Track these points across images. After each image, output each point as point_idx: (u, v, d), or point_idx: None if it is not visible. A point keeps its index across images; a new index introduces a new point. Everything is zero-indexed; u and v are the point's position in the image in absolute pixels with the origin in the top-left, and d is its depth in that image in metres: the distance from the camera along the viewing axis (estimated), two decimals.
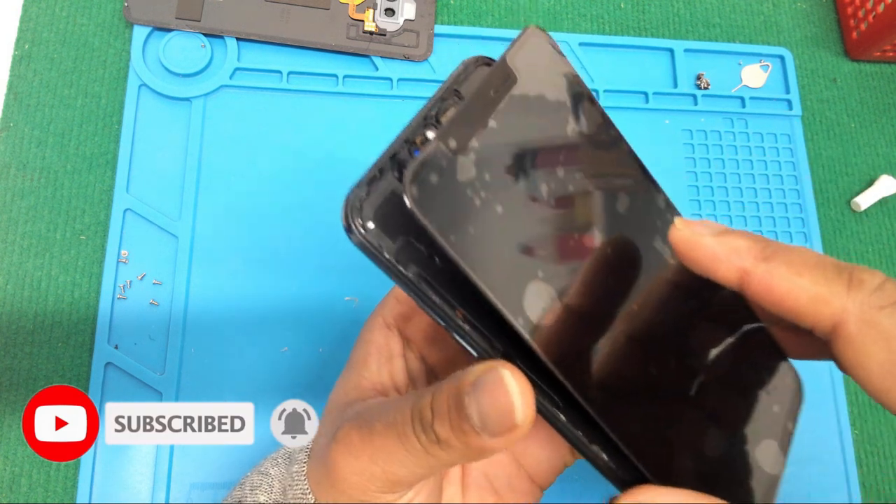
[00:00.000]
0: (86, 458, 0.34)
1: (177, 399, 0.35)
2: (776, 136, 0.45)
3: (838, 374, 0.42)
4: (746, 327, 0.22)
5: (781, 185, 0.44)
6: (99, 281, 0.37)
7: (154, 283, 0.37)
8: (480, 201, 0.17)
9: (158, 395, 0.35)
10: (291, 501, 0.22)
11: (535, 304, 0.18)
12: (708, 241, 0.19)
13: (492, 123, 0.18)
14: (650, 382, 0.21)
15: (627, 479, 0.21)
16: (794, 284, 0.18)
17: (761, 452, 0.22)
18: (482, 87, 0.18)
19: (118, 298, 0.37)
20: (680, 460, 0.21)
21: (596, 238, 0.20)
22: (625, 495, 0.20)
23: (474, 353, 0.19)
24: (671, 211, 0.22)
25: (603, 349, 0.20)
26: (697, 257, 0.19)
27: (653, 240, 0.21)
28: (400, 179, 0.18)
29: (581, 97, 0.20)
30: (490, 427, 0.17)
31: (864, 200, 0.45)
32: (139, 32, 0.40)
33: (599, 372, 0.19)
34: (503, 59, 0.19)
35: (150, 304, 0.37)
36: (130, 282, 0.37)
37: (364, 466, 0.19)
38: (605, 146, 0.21)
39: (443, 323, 0.19)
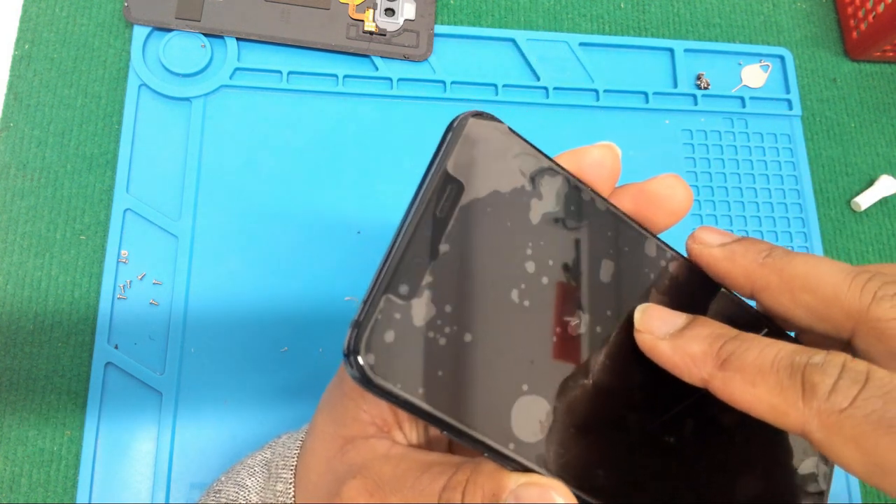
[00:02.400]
0: (86, 458, 0.34)
1: (177, 399, 0.35)
2: (776, 136, 0.45)
3: None
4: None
5: (781, 185, 0.44)
6: (99, 281, 0.37)
7: (154, 283, 0.37)
8: (445, 338, 0.16)
9: (158, 395, 0.35)
10: None
11: (523, 422, 0.17)
12: (664, 348, 0.18)
13: (443, 248, 0.17)
14: (669, 470, 0.20)
15: None
16: (751, 396, 0.17)
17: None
18: (424, 209, 0.17)
19: (118, 298, 0.37)
20: None
21: (582, 324, 0.18)
22: None
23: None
24: (663, 255, 0.20)
25: (605, 453, 0.19)
26: (661, 363, 0.18)
27: (648, 296, 0.20)
28: (348, 354, 0.16)
29: (540, 173, 0.18)
30: None
31: (864, 200, 0.45)
32: (139, 32, 0.40)
33: (611, 470, 0.18)
34: (443, 169, 0.17)
35: (150, 304, 0.37)
36: (130, 282, 0.37)
37: None
38: (578, 216, 0.19)
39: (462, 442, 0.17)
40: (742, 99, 0.45)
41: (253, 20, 0.41)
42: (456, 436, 0.17)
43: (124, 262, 0.37)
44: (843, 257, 0.44)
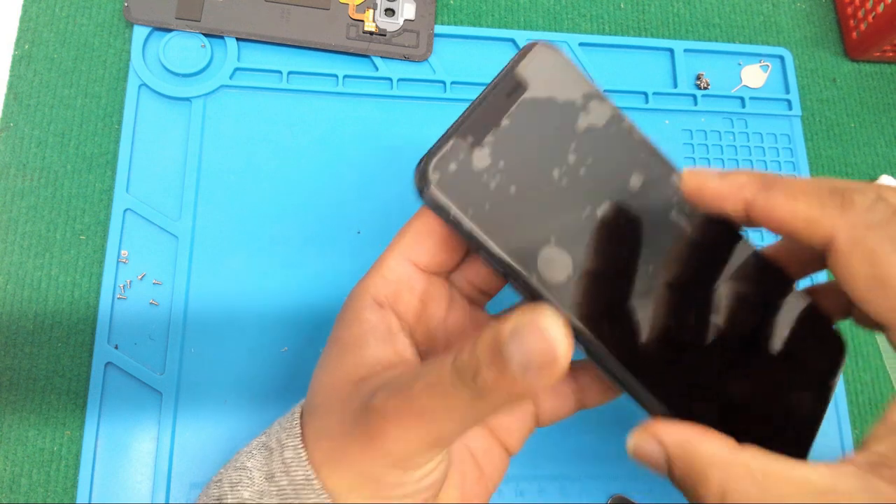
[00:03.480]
0: (86, 458, 0.34)
1: (177, 399, 0.35)
2: (776, 136, 0.45)
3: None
4: (785, 294, 0.25)
5: None
6: (99, 281, 0.37)
7: (154, 283, 0.37)
8: (495, 184, 0.22)
9: (158, 395, 0.35)
10: (292, 488, 0.22)
11: (549, 266, 0.22)
12: (714, 181, 0.22)
13: (504, 122, 0.22)
14: (671, 333, 0.23)
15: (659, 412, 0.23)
16: (791, 209, 0.20)
17: (796, 401, 0.24)
18: (495, 91, 0.22)
19: (118, 298, 0.37)
20: (706, 405, 0.23)
21: (607, 209, 0.23)
22: (637, 431, 0.22)
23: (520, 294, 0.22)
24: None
25: (619, 304, 0.22)
26: (706, 197, 0.22)
27: (668, 213, 0.24)
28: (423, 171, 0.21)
29: (590, 97, 0.24)
30: (532, 369, 0.18)
31: None
32: (139, 32, 0.40)
33: (615, 323, 0.22)
34: (513, 70, 0.23)
35: (150, 304, 0.37)
36: (130, 282, 0.37)
37: (406, 430, 0.20)
38: (615, 135, 0.24)
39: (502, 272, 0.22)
40: (742, 99, 0.46)
41: (253, 20, 0.41)
42: (486, 255, 0.21)
43: (124, 262, 0.37)
44: None
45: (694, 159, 0.44)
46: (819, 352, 0.24)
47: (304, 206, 0.40)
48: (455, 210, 0.21)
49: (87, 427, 0.34)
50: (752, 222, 0.22)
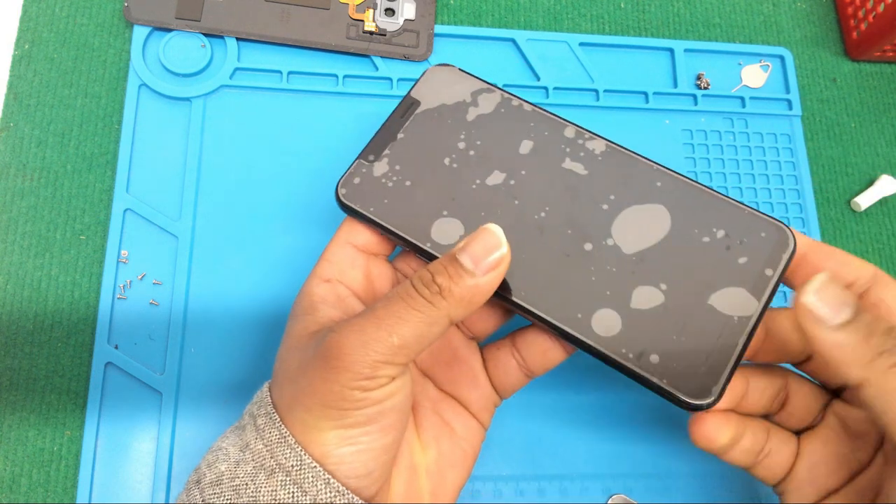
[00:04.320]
0: (86, 458, 0.34)
1: (177, 399, 0.35)
2: (776, 136, 0.45)
3: None
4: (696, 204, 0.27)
5: (781, 185, 0.44)
6: (99, 281, 0.37)
7: (154, 283, 0.37)
8: (393, 183, 0.27)
9: (158, 395, 0.35)
10: (260, 448, 0.23)
11: (441, 233, 0.27)
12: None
13: (400, 136, 0.29)
14: (563, 258, 0.26)
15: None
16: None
17: (719, 300, 0.25)
18: (393, 115, 0.29)
19: (118, 298, 0.37)
20: (608, 314, 0.25)
21: (495, 176, 0.27)
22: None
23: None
24: (583, 136, 0.28)
25: (515, 250, 0.26)
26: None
27: (561, 162, 0.28)
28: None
29: (479, 92, 0.29)
30: (481, 265, 0.23)
31: (864, 200, 0.45)
32: (139, 32, 0.40)
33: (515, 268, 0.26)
34: (408, 94, 0.29)
35: (150, 304, 0.37)
36: (130, 282, 0.37)
37: (369, 336, 0.22)
38: (504, 115, 0.28)
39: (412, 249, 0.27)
40: (742, 99, 0.45)
41: (253, 20, 0.41)
42: (392, 237, 0.27)
43: (124, 262, 0.37)
44: None
45: (694, 159, 0.44)
46: (754, 250, 0.26)
47: (305, 207, 0.40)
48: (360, 209, 0.27)
49: (87, 427, 0.34)
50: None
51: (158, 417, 0.35)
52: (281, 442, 0.22)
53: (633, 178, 0.27)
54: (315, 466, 0.22)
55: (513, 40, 0.44)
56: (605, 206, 0.27)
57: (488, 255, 0.23)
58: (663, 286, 0.25)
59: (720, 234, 0.26)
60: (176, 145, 0.40)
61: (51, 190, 0.38)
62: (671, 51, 0.46)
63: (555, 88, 0.43)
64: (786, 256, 0.25)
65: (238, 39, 0.41)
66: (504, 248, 0.23)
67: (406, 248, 0.28)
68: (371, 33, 0.42)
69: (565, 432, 0.37)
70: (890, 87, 0.49)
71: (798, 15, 0.49)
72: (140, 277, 0.37)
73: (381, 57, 0.42)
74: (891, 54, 0.48)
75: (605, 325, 0.25)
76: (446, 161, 0.27)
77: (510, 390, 0.29)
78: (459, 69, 0.29)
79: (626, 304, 0.25)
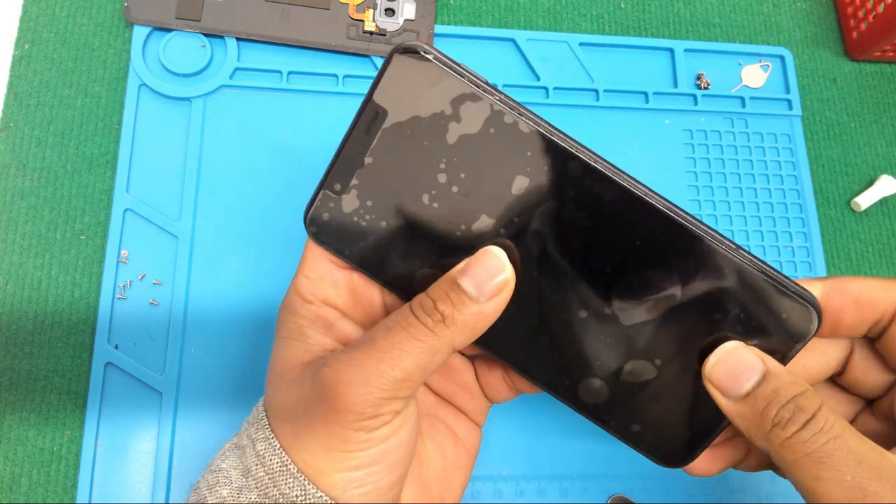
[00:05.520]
0: (86, 458, 0.34)
1: (177, 399, 0.35)
2: (776, 136, 0.45)
3: None
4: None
5: (781, 185, 0.44)
6: (99, 281, 0.37)
7: (154, 283, 0.37)
8: (366, 222, 0.23)
9: (158, 395, 0.35)
10: (265, 479, 0.22)
11: (424, 283, 0.23)
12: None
13: (368, 160, 0.22)
14: (542, 309, 0.23)
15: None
16: (863, 284, 0.23)
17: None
18: (355, 129, 0.22)
19: (118, 298, 0.37)
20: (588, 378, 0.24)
21: (485, 222, 0.22)
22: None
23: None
24: (591, 175, 0.22)
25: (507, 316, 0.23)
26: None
27: (562, 208, 0.22)
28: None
29: (462, 99, 0.21)
30: (485, 290, 0.21)
31: (864, 200, 0.45)
32: (139, 32, 0.40)
33: (502, 331, 0.23)
34: (369, 99, 0.22)
35: (150, 304, 0.37)
36: (130, 282, 0.37)
37: (370, 371, 0.21)
38: (494, 137, 0.22)
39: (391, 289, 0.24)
40: (742, 99, 0.45)
41: (253, 20, 0.41)
42: (394, 293, 0.24)
43: (124, 262, 0.37)
44: (842, 257, 0.44)
45: (694, 159, 0.44)
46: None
47: (305, 206, 0.40)
48: (334, 252, 0.24)
49: (87, 427, 0.34)
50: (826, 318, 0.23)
51: (158, 417, 0.35)
52: (283, 471, 0.22)
53: (645, 237, 0.22)
54: (321, 496, 0.21)
55: (513, 40, 0.44)
56: (608, 269, 0.23)
57: (491, 279, 0.21)
58: (658, 361, 0.23)
59: (734, 312, 0.22)
60: (176, 145, 0.40)
61: (51, 190, 0.38)
62: (671, 51, 0.46)
63: (555, 88, 0.43)
64: (800, 346, 0.22)
65: (238, 39, 0.41)
66: (508, 272, 0.21)
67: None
68: (371, 33, 0.42)
69: (565, 432, 0.37)
70: (890, 87, 0.49)
71: (798, 15, 0.49)
72: (140, 277, 0.37)
73: (382, 57, 0.42)
74: (891, 54, 0.48)
75: (591, 392, 0.24)
76: (425, 198, 0.22)
77: (502, 401, 0.29)
78: (433, 57, 0.21)
79: (616, 376, 0.23)
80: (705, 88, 0.45)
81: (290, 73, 0.41)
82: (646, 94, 0.45)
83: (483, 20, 0.46)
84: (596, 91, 0.44)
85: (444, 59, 0.21)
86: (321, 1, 0.42)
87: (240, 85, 0.41)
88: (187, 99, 0.40)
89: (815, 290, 0.23)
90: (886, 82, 0.49)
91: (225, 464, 0.24)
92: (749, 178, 0.44)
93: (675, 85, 0.45)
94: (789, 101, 0.46)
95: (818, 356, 0.25)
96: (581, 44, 0.45)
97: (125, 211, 0.38)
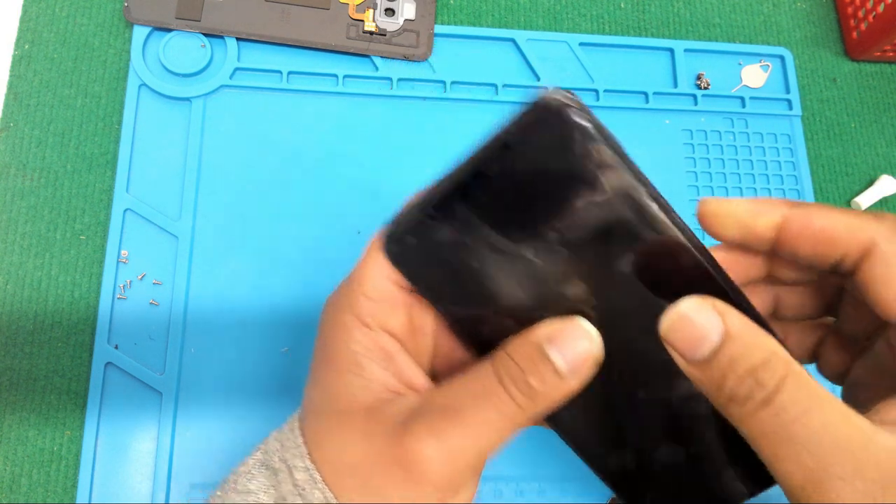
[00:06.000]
0: (86, 458, 0.34)
1: (177, 399, 0.35)
2: (776, 136, 0.45)
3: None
4: None
5: (781, 185, 0.44)
6: (99, 281, 0.37)
7: (154, 283, 0.37)
8: (455, 259, 0.21)
9: (158, 395, 0.35)
10: None
11: (496, 332, 0.21)
12: (741, 202, 0.21)
13: (480, 196, 0.20)
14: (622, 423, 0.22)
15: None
16: (829, 218, 0.21)
17: (731, 475, 0.22)
18: (475, 158, 0.20)
19: (118, 298, 0.37)
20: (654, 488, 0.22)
21: (579, 289, 0.21)
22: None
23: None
24: (701, 272, 0.21)
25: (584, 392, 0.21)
26: (735, 216, 0.21)
27: (665, 299, 0.20)
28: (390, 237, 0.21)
29: (602, 167, 0.19)
30: (573, 366, 0.20)
31: (865, 200, 0.45)
32: (139, 32, 0.40)
33: (579, 409, 0.22)
34: (503, 136, 0.19)
35: (150, 304, 0.37)
36: (130, 282, 0.37)
37: (457, 447, 0.20)
38: (621, 213, 0.20)
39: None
40: (742, 99, 0.45)
41: (253, 20, 0.41)
42: (454, 330, 0.22)
43: (124, 262, 0.37)
44: None
45: (694, 159, 0.44)
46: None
47: (304, 206, 0.40)
48: (410, 281, 0.21)
49: (87, 427, 0.34)
50: (779, 244, 0.21)
51: (158, 417, 0.35)
52: None
53: None
54: None
55: (513, 40, 0.44)
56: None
57: (581, 355, 0.20)
58: (693, 450, 0.22)
59: None
60: (176, 145, 0.40)
61: (51, 190, 0.38)
62: (671, 51, 0.46)
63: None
64: None
65: (238, 39, 0.41)
66: (597, 350, 0.20)
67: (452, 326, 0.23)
68: (371, 33, 0.42)
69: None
70: (890, 87, 0.49)
71: (798, 15, 0.49)
72: (140, 277, 0.37)
73: (381, 57, 0.42)
74: (891, 54, 0.48)
75: (618, 463, 0.23)
76: (528, 251, 0.21)
77: None
78: (583, 116, 0.19)
79: (648, 455, 0.22)
80: (705, 88, 0.45)
81: (290, 73, 0.41)
82: (646, 94, 0.45)
83: (483, 20, 0.46)
84: (596, 91, 0.44)
85: (596, 121, 0.19)
86: (321, 1, 0.42)
87: (240, 85, 0.41)
88: (187, 99, 0.40)
89: (778, 213, 0.21)
90: (886, 82, 0.49)
91: (253, 485, 0.23)
92: (749, 178, 0.44)
93: (675, 85, 0.45)
94: (789, 101, 0.46)
95: (800, 306, 0.25)
96: (581, 44, 0.45)
97: (125, 211, 0.38)
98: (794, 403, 0.18)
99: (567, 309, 0.21)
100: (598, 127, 0.19)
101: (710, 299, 0.19)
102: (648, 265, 0.20)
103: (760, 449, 0.18)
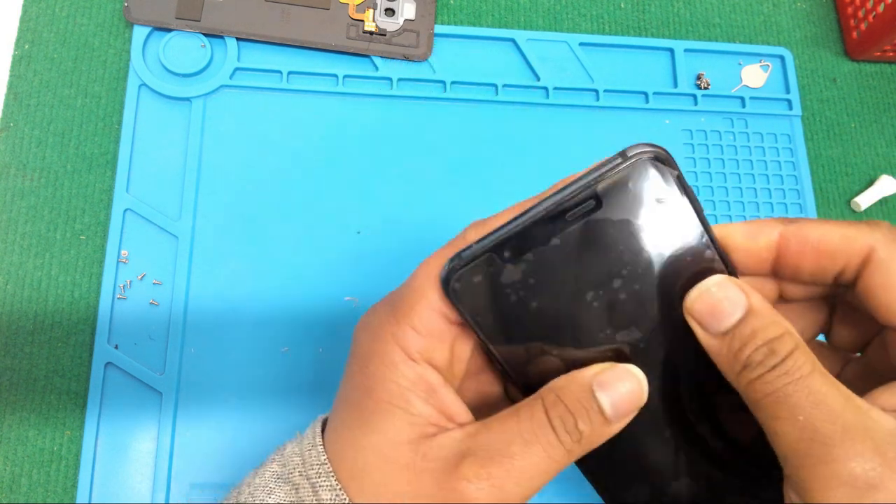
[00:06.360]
0: (86, 458, 0.34)
1: (177, 399, 0.35)
2: (776, 136, 0.45)
3: None
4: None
5: (781, 185, 0.44)
6: (99, 281, 0.37)
7: (154, 283, 0.37)
8: (517, 297, 0.21)
9: (158, 395, 0.35)
10: None
11: (541, 372, 0.22)
12: (737, 226, 0.22)
13: (555, 242, 0.20)
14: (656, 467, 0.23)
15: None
16: (825, 230, 0.21)
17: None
18: (559, 199, 0.20)
19: (118, 298, 0.37)
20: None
21: (633, 335, 0.21)
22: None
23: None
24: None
25: (631, 437, 0.22)
26: (733, 238, 0.22)
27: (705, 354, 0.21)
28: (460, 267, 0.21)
29: (679, 224, 0.21)
30: (620, 412, 0.21)
31: (864, 200, 0.45)
32: (139, 32, 0.40)
33: (611, 463, 0.22)
34: (592, 186, 0.20)
35: (150, 304, 0.37)
36: (130, 282, 0.37)
37: (505, 491, 0.20)
38: (687, 263, 0.21)
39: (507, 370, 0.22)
40: (742, 99, 0.45)
41: (253, 20, 0.41)
42: (487, 353, 0.22)
43: (124, 262, 0.37)
44: None
45: (694, 159, 0.44)
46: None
47: (304, 206, 0.40)
48: (467, 316, 0.21)
49: (87, 427, 0.34)
50: (780, 263, 0.22)
51: (158, 417, 0.35)
52: None
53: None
54: None
55: (513, 40, 0.44)
56: (715, 400, 0.23)
57: (628, 402, 0.21)
58: (703, 482, 0.23)
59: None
60: (176, 145, 0.40)
61: (51, 190, 0.38)
62: (671, 51, 0.46)
63: (555, 88, 0.43)
64: None
65: (238, 39, 0.41)
66: (644, 398, 0.21)
67: (498, 372, 0.23)
68: (371, 33, 0.42)
69: None
70: (890, 87, 0.49)
71: (798, 15, 0.49)
72: (140, 277, 0.37)
73: (381, 57, 0.42)
74: (891, 54, 0.48)
75: (633, 495, 0.23)
76: (590, 295, 0.21)
77: None
78: (676, 176, 0.20)
79: (663, 489, 0.23)
80: (705, 88, 0.45)
81: (290, 73, 0.41)
82: (646, 94, 0.45)
83: (483, 20, 0.46)
84: (596, 91, 0.44)
85: (683, 179, 0.21)
86: (321, 1, 0.42)
87: (240, 85, 0.41)
88: (187, 99, 0.40)
89: (774, 231, 0.22)
90: (886, 82, 0.49)
91: (272, 499, 0.22)
92: (749, 178, 0.44)
93: (675, 85, 0.45)
94: (789, 101, 0.46)
95: (798, 318, 0.25)
96: (581, 44, 0.45)
97: (125, 211, 0.38)
98: (798, 368, 0.19)
99: (613, 350, 0.21)
100: (682, 183, 0.20)
101: (733, 279, 0.21)
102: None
103: (761, 410, 0.20)
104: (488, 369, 0.25)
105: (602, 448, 0.21)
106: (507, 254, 0.20)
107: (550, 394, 0.21)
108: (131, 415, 0.35)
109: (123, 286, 0.37)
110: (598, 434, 0.21)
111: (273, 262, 0.38)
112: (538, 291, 0.21)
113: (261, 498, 0.22)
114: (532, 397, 0.21)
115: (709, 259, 0.21)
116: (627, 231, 0.20)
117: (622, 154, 0.20)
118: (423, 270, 0.22)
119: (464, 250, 0.21)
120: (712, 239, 0.21)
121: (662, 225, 0.21)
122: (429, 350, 0.22)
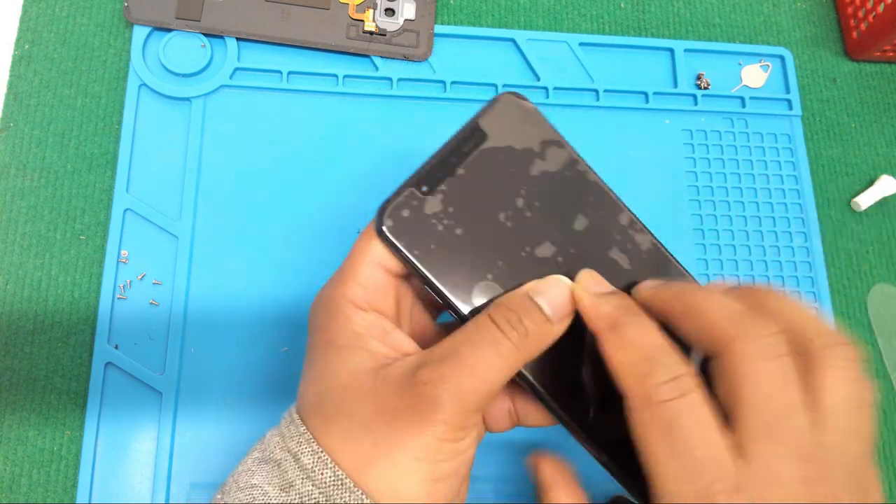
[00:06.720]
0: (86, 458, 0.34)
1: (177, 399, 0.35)
2: (776, 136, 0.45)
3: None
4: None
5: (781, 184, 0.44)
6: (99, 281, 0.37)
7: (154, 283, 0.37)
8: (443, 227, 0.24)
9: (158, 395, 0.35)
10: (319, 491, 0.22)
11: (480, 296, 0.24)
12: (585, 300, 0.24)
13: (460, 171, 0.25)
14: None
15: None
16: (615, 356, 0.22)
17: None
18: (455, 141, 0.25)
19: (118, 298, 0.37)
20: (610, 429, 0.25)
21: (546, 249, 0.25)
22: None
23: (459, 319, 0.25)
24: (635, 227, 0.26)
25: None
26: (579, 308, 0.24)
27: (609, 251, 0.26)
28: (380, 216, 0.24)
29: (549, 143, 0.26)
30: (558, 312, 0.23)
31: (864, 200, 0.45)
32: (139, 32, 0.40)
33: (546, 361, 0.24)
34: (476, 121, 0.25)
35: (150, 304, 0.37)
36: (130, 282, 0.37)
37: (464, 386, 0.21)
38: (568, 179, 0.26)
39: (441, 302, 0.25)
40: (742, 99, 0.45)
41: (253, 20, 0.41)
42: (430, 289, 0.24)
43: (124, 262, 0.37)
44: (843, 257, 0.44)
45: (694, 159, 0.44)
46: None
47: (304, 206, 0.40)
48: (403, 249, 0.24)
49: (87, 427, 0.34)
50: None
51: (158, 417, 0.35)
52: (337, 485, 0.21)
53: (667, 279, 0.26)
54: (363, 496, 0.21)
55: (513, 40, 0.44)
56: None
57: (563, 303, 0.23)
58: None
59: None
60: (176, 145, 0.40)
61: (51, 190, 0.39)
62: (671, 51, 0.46)
63: (555, 88, 0.43)
64: None
65: (238, 39, 0.41)
66: (572, 300, 0.23)
67: (434, 297, 0.25)
68: (371, 33, 0.42)
69: (566, 434, 0.37)
70: (890, 87, 0.49)
71: (798, 15, 0.49)
72: (140, 277, 0.37)
73: (381, 57, 0.42)
74: (891, 54, 0.48)
75: (605, 428, 0.25)
76: (501, 217, 0.25)
77: (499, 431, 0.29)
78: (534, 107, 0.26)
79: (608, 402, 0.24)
80: (705, 88, 0.45)
81: (290, 73, 0.41)
82: (646, 94, 0.45)
83: (483, 20, 0.46)
84: (596, 91, 0.44)
85: (540, 112, 0.26)
86: (321, 1, 0.42)
87: (240, 85, 0.41)
88: (187, 99, 0.40)
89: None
90: (886, 82, 0.49)
91: (256, 479, 0.23)
92: (749, 179, 0.44)
93: (675, 85, 0.45)
94: (789, 101, 0.46)
95: None
96: (581, 44, 0.45)
97: (125, 211, 0.38)
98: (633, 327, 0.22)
99: (541, 271, 0.25)
100: (543, 115, 0.26)
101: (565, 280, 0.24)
102: (594, 224, 0.25)
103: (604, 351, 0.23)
104: (433, 318, 0.28)
105: (551, 367, 0.24)
106: (424, 187, 0.24)
107: (496, 303, 0.23)
108: (131, 415, 0.35)
109: (123, 286, 0.37)
110: (543, 333, 0.23)
111: (273, 262, 0.38)
112: (459, 218, 0.24)
113: (245, 480, 0.23)
114: (477, 315, 0.23)
115: (582, 170, 0.26)
116: (513, 155, 0.25)
117: (493, 98, 0.25)
118: (360, 236, 0.25)
119: (391, 194, 0.24)
120: (575, 150, 0.26)
121: (538, 147, 0.25)
122: (376, 301, 0.25)
